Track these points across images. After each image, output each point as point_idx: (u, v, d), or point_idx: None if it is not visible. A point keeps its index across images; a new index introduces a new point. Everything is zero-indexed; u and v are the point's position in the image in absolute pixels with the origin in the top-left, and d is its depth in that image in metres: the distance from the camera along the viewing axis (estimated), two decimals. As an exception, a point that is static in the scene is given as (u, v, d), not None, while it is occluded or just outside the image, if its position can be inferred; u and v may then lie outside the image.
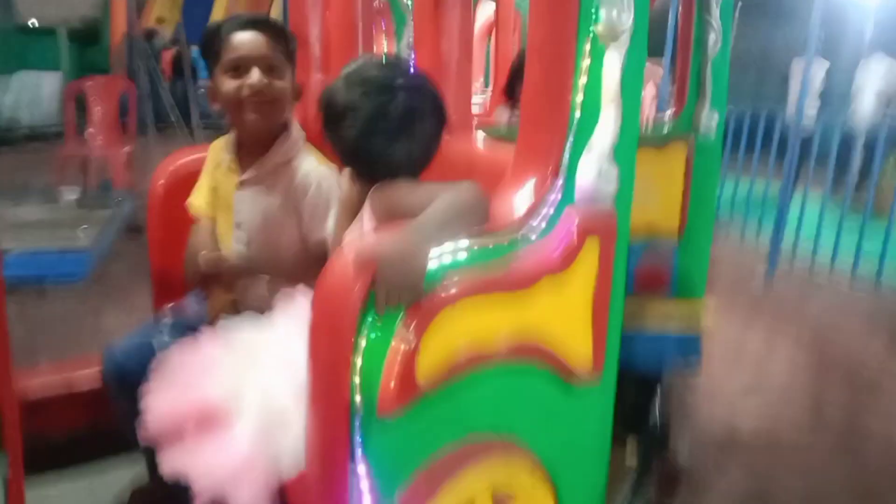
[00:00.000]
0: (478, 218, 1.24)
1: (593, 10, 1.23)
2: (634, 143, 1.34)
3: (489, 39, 5.04)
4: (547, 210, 1.27)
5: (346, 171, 1.52)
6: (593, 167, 1.26)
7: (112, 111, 6.00)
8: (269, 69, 1.68)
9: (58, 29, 10.13)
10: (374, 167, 1.40)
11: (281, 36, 1.72)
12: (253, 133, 1.75)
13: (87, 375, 1.85)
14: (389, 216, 1.30)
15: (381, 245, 1.12)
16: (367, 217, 1.37)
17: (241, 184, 1.77)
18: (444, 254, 1.16)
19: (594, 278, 1.30)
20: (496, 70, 4.34)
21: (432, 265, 1.13)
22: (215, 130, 7.84)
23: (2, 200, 5.42)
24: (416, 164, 1.42)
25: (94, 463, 1.89)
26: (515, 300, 1.21)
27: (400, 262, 1.10)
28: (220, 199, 1.83)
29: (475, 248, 1.19)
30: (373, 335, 1.10)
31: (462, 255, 1.17)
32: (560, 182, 1.28)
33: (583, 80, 1.26)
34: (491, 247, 1.21)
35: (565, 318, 1.29)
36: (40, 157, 6.42)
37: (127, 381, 1.63)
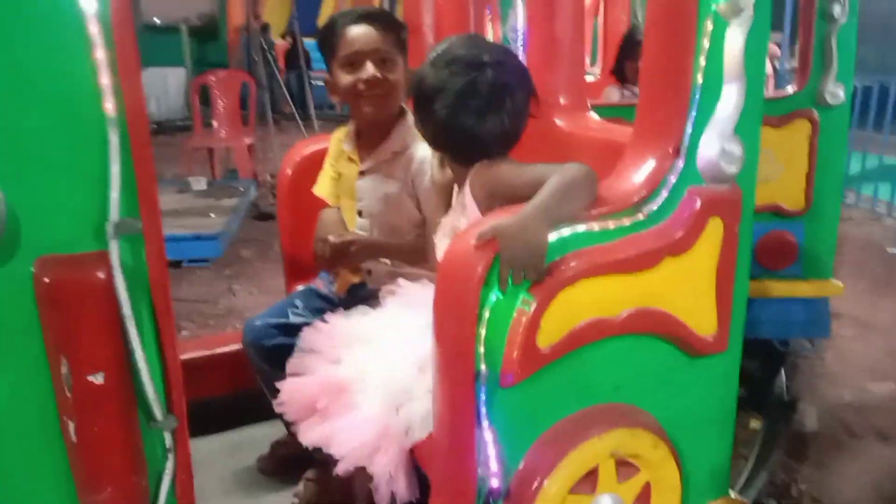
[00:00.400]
0: (589, 197, 1.26)
1: (715, -13, 1.22)
2: (758, 120, 1.32)
3: (595, 18, 4.96)
4: (668, 190, 1.28)
5: (437, 156, 1.55)
6: (715, 146, 1.25)
7: (234, 103, 6.33)
8: (382, 62, 1.74)
9: (179, 26, 10.80)
10: (466, 146, 1.41)
11: (393, 27, 1.78)
12: (370, 123, 1.83)
13: (229, 346, 2.02)
14: (492, 196, 1.34)
15: (503, 222, 1.17)
16: (467, 199, 1.39)
17: (362, 172, 1.87)
18: (565, 232, 1.20)
19: (718, 256, 1.29)
20: (605, 49, 4.28)
21: (553, 243, 1.18)
22: (330, 120, 8.16)
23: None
24: (508, 140, 1.42)
25: (236, 426, 2.07)
26: (636, 278, 1.23)
27: (522, 239, 1.15)
28: (342, 186, 1.94)
29: (596, 228, 1.23)
30: (496, 307, 1.16)
31: (583, 235, 1.21)
32: (681, 162, 1.28)
33: (703, 57, 1.25)
34: (612, 228, 1.24)
35: (688, 292, 1.30)
36: (169, 150, 6.85)
37: (265, 351, 1.79)
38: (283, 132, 7.60)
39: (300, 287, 2.01)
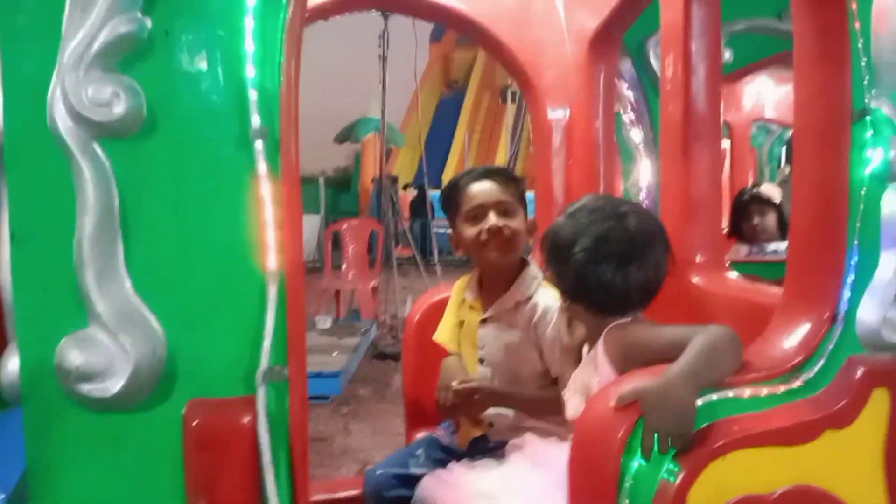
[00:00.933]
0: (736, 362, 1.19)
1: (869, 151, 1.19)
2: (923, 286, 1.23)
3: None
4: (826, 358, 1.20)
5: (566, 310, 1.51)
6: (876, 313, 1.17)
7: (362, 249, 6.71)
8: (504, 212, 1.79)
9: (317, 178, 11.81)
10: (604, 295, 1.35)
11: (511, 181, 1.84)
12: (493, 271, 1.86)
13: (349, 493, 1.98)
14: (628, 357, 1.28)
15: (647, 385, 1.11)
16: (600, 357, 1.34)
17: (484, 321, 1.87)
18: (713, 398, 1.13)
19: (885, 432, 1.18)
20: (731, 204, 4.24)
21: (700, 408, 1.11)
22: (450, 265, 8.41)
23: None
24: (647, 293, 1.36)
25: None
26: (793, 452, 1.13)
27: (668, 403, 1.09)
28: (465, 335, 1.94)
29: (747, 394, 1.15)
30: (638, 476, 1.08)
31: (733, 402, 1.14)
32: (839, 328, 1.20)
33: (859, 221, 1.20)
34: (765, 395, 1.16)
35: (851, 471, 1.18)
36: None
37: (386, 503, 1.74)
38: (403, 276, 7.87)
39: (421, 435, 1.98)
